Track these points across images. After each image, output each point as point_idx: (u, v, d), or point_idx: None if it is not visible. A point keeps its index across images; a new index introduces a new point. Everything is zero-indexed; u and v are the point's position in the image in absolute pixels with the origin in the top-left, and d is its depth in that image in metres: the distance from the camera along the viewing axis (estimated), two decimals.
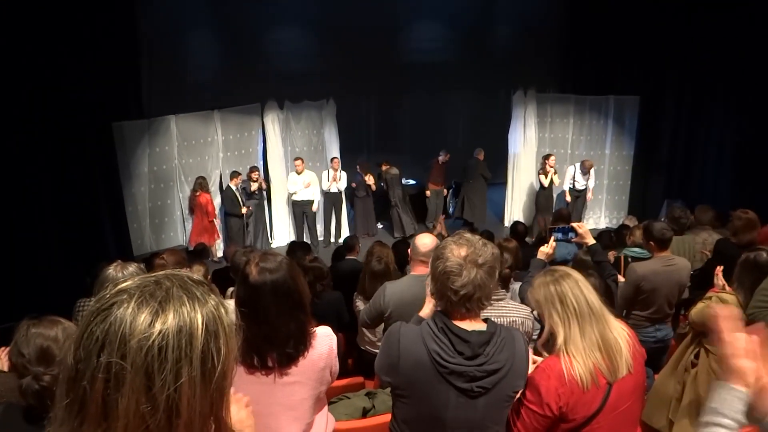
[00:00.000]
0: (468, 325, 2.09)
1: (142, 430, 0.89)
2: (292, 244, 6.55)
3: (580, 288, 2.28)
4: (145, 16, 9.28)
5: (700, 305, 3.70)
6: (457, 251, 2.06)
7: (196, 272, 4.86)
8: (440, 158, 11.12)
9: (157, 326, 0.89)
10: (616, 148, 10.88)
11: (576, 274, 2.36)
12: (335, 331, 4.49)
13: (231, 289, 4.37)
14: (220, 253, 9.85)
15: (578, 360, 2.18)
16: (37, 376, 1.98)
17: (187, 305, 0.93)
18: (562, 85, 11.72)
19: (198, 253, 7.48)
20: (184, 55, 11.08)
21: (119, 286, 0.94)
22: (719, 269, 4.07)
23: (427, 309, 2.55)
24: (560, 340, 2.23)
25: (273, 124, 10.30)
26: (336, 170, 10.44)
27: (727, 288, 3.78)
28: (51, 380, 1.98)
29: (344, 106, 11.00)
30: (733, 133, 9.73)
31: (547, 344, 2.32)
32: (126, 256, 8.39)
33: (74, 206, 8.04)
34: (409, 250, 3.85)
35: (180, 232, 9.93)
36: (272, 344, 2.18)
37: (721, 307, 1.67)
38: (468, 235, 2.16)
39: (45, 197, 7.75)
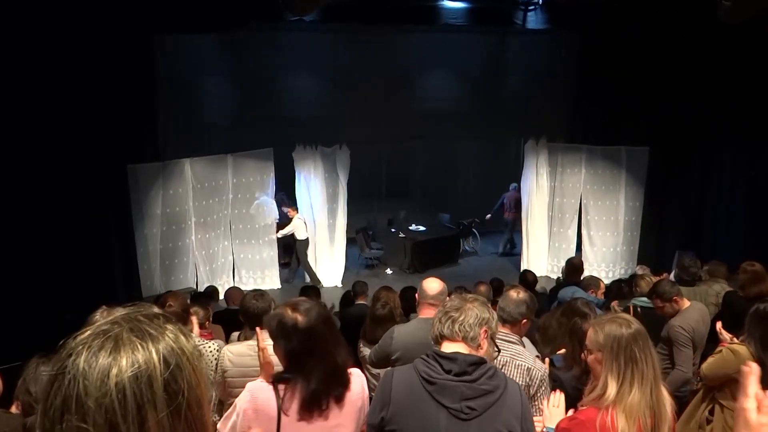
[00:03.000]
0: (455, 347, 2.24)
1: None
2: (303, 289, 6.58)
3: (650, 349, 2.27)
4: (162, 61, 9.52)
5: (711, 359, 3.64)
6: (459, 296, 2.41)
7: (194, 314, 4.87)
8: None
9: (112, 380, 0.87)
10: (629, 199, 10.89)
11: (645, 333, 2.33)
12: None
13: (236, 333, 4.36)
14: None
15: (624, 419, 2.14)
16: None
17: (140, 347, 0.91)
18: (571, 135, 11.81)
19: (208, 295, 7.49)
20: (200, 99, 11.33)
21: (68, 347, 0.92)
22: (719, 324, 4.08)
23: None
24: (611, 393, 2.20)
25: (309, 168, 10.62)
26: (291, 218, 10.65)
27: (735, 340, 3.73)
28: None
29: (356, 153, 11.13)
30: (744, 184, 9.73)
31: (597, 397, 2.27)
32: (135, 297, 8.44)
33: (86, 246, 8.12)
34: (416, 295, 3.82)
35: (191, 275, 9.96)
36: (335, 378, 2.28)
37: (753, 365, 1.68)
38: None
39: (57, 236, 7.83)
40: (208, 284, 9.32)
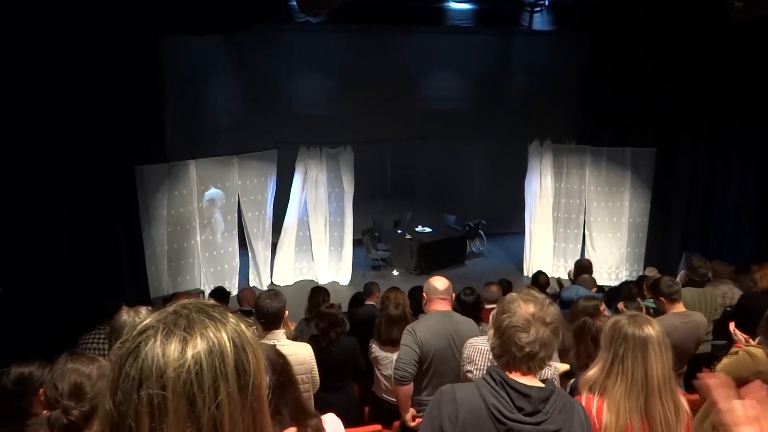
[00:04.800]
0: (526, 381, 2.04)
1: None
2: (313, 289, 6.55)
3: (650, 359, 2.21)
4: (168, 63, 9.53)
5: (726, 360, 3.60)
6: (525, 307, 2.05)
7: None
8: None
9: (189, 352, 0.92)
10: (635, 200, 10.86)
11: (657, 340, 2.24)
12: (352, 379, 4.46)
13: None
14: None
15: (608, 414, 2.15)
16: (66, 410, 2.00)
17: (211, 327, 0.96)
18: (578, 136, 11.79)
19: (219, 295, 7.46)
20: (205, 100, 11.36)
21: (140, 326, 0.97)
22: (732, 325, 4.09)
23: None
24: (593, 373, 2.22)
25: (307, 168, 10.64)
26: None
27: (751, 341, 3.71)
28: (79, 415, 2.00)
29: (361, 154, 11.14)
30: (751, 184, 9.72)
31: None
32: (143, 298, 8.44)
33: (94, 247, 8.12)
34: (424, 293, 4.01)
35: (197, 276, 9.96)
36: (304, 411, 2.15)
37: (714, 377, 1.68)
38: (534, 292, 2.15)
39: (65, 237, 7.84)
40: (214, 286, 9.31)
